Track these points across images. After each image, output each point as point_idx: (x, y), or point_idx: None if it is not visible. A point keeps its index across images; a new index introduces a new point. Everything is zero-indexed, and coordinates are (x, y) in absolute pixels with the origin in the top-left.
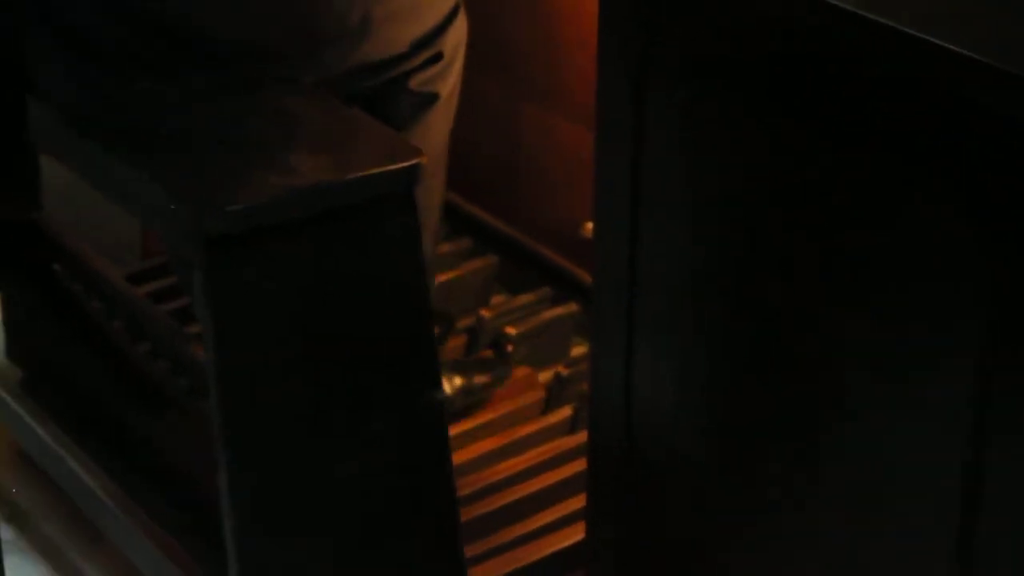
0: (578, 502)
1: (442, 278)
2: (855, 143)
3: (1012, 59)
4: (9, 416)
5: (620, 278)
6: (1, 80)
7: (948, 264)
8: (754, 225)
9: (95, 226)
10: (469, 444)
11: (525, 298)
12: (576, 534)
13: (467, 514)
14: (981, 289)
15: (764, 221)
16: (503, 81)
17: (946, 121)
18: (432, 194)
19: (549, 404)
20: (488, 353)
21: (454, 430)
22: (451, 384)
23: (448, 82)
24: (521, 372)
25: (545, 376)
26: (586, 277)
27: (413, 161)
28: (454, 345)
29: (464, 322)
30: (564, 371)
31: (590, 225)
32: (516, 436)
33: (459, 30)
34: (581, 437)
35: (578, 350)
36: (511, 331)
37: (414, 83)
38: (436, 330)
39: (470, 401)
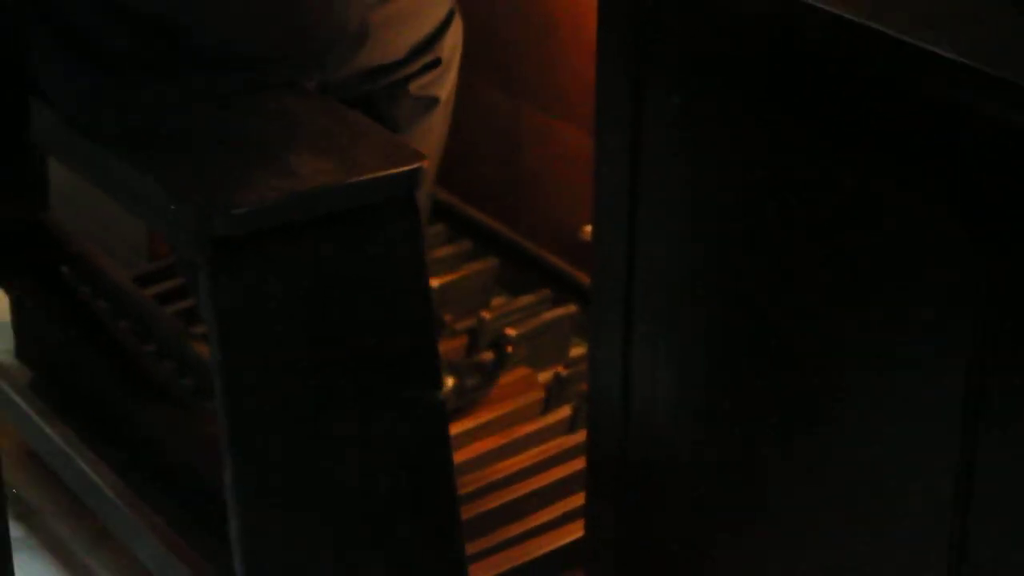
0: (577, 500)
1: (443, 280)
2: (851, 143)
3: (1002, 64)
4: (18, 416)
5: (619, 278)
6: (5, 81)
7: (942, 263)
8: (752, 224)
9: (102, 228)
10: (469, 443)
11: (525, 300)
12: (575, 532)
13: (467, 512)
14: (975, 289)
15: (762, 220)
16: (503, 85)
17: (940, 122)
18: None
19: (549, 404)
20: (488, 354)
21: (455, 429)
22: (444, 385)
23: (446, 86)
24: (520, 373)
25: (545, 376)
26: (585, 279)
27: (415, 165)
28: (455, 346)
29: (465, 323)
30: (563, 371)
31: (589, 228)
32: (516, 435)
33: (455, 35)
34: (580, 436)
35: (577, 350)
36: (511, 332)
37: (413, 88)
38: None
39: (462, 403)
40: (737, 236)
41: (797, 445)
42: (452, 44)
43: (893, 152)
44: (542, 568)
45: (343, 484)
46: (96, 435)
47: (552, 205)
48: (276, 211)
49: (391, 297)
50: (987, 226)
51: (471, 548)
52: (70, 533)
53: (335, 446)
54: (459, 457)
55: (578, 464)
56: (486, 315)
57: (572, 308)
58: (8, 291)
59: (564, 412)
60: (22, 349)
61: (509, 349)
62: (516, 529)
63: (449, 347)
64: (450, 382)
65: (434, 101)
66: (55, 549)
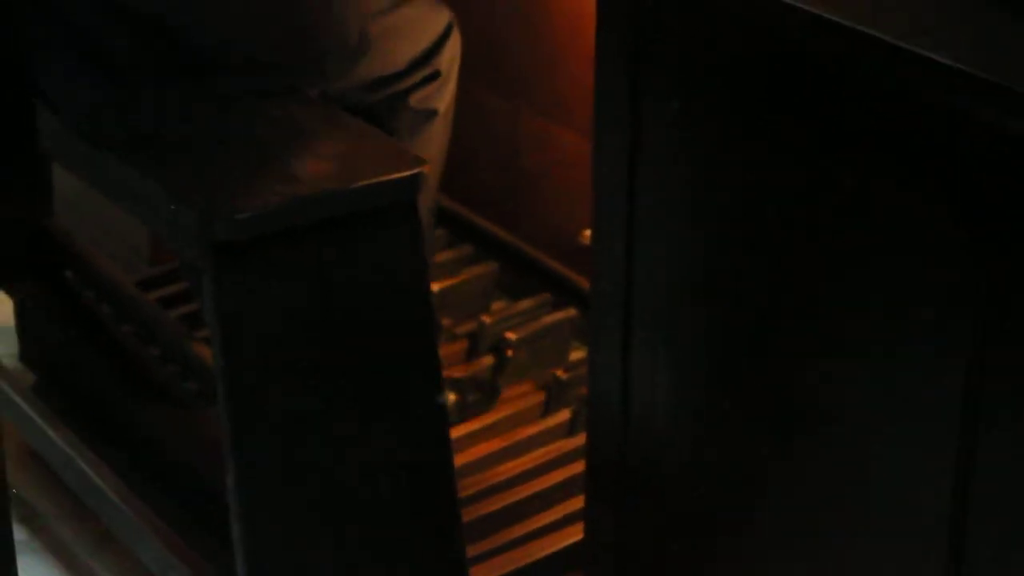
0: (577, 503)
1: (444, 284)
2: (850, 145)
3: (998, 69)
4: (21, 418)
5: (618, 282)
6: (9, 86)
7: (941, 264)
8: (751, 227)
9: (105, 233)
10: (471, 446)
11: (525, 304)
12: (575, 534)
13: (469, 514)
14: (974, 289)
15: (761, 223)
16: (503, 93)
17: (939, 126)
18: (424, 203)
19: (548, 407)
20: (489, 358)
21: (456, 433)
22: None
23: (445, 98)
24: (521, 389)
25: (544, 380)
26: (584, 283)
27: (415, 170)
28: (455, 350)
29: (465, 327)
30: (563, 375)
31: (588, 232)
32: (516, 438)
33: (454, 47)
34: (580, 439)
35: (577, 354)
36: (511, 336)
37: (413, 100)
38: None
39: (464, 417)
40: (736, 238)
41: (796, 449)
42: (451, 56)
43: (892, 154)
44: (542, 570)
45: (344, 486)
46: (99, 438)
47: (551, 210)
48: (278, 216)
49: (392, 301)
50: (985, 227)
51: (472, 550)
52: (73, 536)
53: (336, 448)
54: (460, 460)
55: (578, 467)
56: (486, 319)
57: (572, 312)
58: (12, 295)
59: (564, 416)
60: (26, 352)
61: (509, 353)
62: (517, 531)
63: (449, 351)
64: (452, 397)
65: (433, 113)
66: (58, 552)
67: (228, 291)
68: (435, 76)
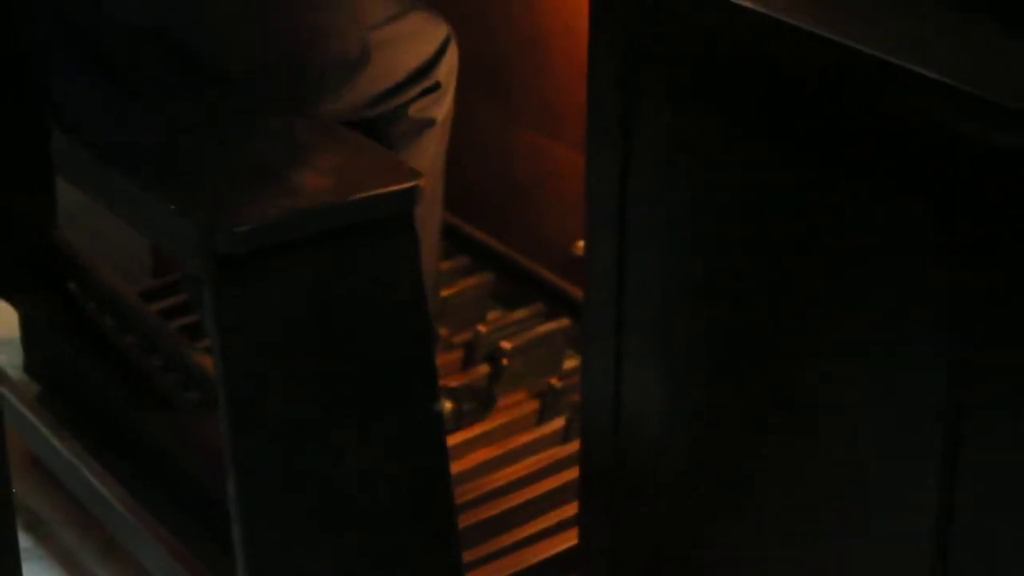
0: (571, 509)
1: (441, 294)
2: (840, 155)
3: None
4: (26, 428)
5: (610, 289)
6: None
7: (940, 265)
8: (742, 236)
9: (108, 245)
10: (467, 453)
11: (520, 313)
12: (569, 540)
13: (465, 520)
14: (970, 290)
15: (751, 232)
16: (498, 107)
17: (927, 136)
18: (430, 212)
19: (543, 415)
20: (484, 367)
21: (452, 440)
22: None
23: (443, 108)
24: (515, 397)
25: (539, 388)
26: (578, 293)
27: (412, 183)
28: (451, 359)
29: (461, 337)
30: (557, 383)
31: (581, 243)
32: (511, 446)
33: (451, 58)
34: (573, 446)
35: (570, 363)
36: (506, 345)
37: (412, 110)
38: None
39: (460, 425)
40: (727, 248)
41: (788, 454)
42: (449, 68)
43: (882, 162)
44: (537, 575)
45: (343, 493)
46: (102, 446)
47: (545, 222)
48: (278, 228)
49: (390, 311)
50: (976, 232)
51: (468, 556)
52: (78, 543)
53: (335, 456)
54: (456, 467)
55: (572, 474)
56: (482, 329)
57: (565, 321)
58: (17, 306)
59: (558, 423)
60: (30, 363)
61: (504, 362)
62: (512, 537)
63: (446, 360)
64: (448, 406)
65: (431, 122)
66: (63, 559)
67: (228, 302)
68: (435, 87)
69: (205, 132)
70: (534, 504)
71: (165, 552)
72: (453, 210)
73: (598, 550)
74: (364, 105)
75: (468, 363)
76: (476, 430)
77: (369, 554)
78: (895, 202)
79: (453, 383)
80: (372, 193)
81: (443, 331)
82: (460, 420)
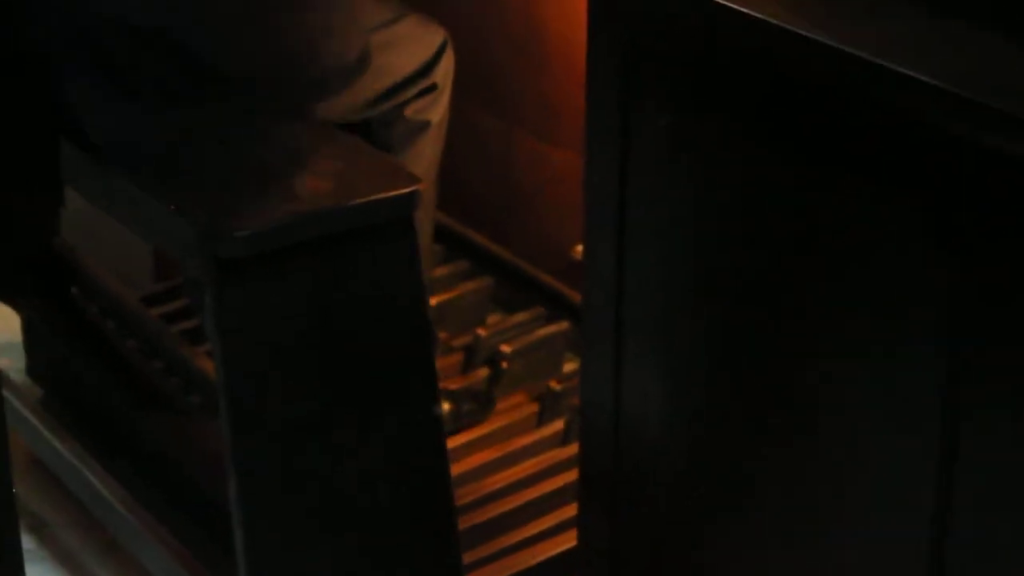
0: (570, 511)
1: (441, 299)
2: (839, 156)
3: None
4: (29, 431)
5: (609, 291)
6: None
7: (923, 271)
8: (740, 238)
9: (110, 250)
10: (466, 456)
11: (519, 317)
12: (569, 541)
13: (465, 522)
14: (954, 296)
15: (750, 234)
16: (496, 112)
17: (924, 138)
18: (424, 215)
19: (542, 418)
20: (484, 370)
21: (452, 443)
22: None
23: (439, 110)
24: (514, 400)
25: (538, 391)
26: (577, 297)
27: (412, 188)
28: (451, 363)
29: (461, 340)
30: (556, 386)
31: (580, 247)
32: (511, 448)
33: (448, 61)
34: (573, 449)
35: (570, 366)
36: (506, 348)
37: (408, 112)
38: None
39: (459, 426)
40: (727, 248)
41: (788, 454)
42: (445, 70)
43: (883, 162)
44: None
45: (343, 494)
46: (104, 449)
47: (544, 226)
48: (278, 233)
49: (390, 314)
50: (976, 232)
51: (468, 557)
52: (80, 544)
53: (335, 457)
54: (456, 469)
55: (571, 476)
56: (482, 332)
57: (564, 325)
58: (19, 310)
59: (557, 426)
60: (33, 367)
61: (504, 365)
62: (511, 539)
63: (446, 363)
64: (448, 408)
65: (427, 124)
66: (65, 560)
67: (229, 306)
68: (432, 89)
69: (206, 134)
70: (534, 506)
71: (166, 553)
72: (453, 215)
73: (598, 552)
74: (363, 106)
75: (468, 366)
76: (476, 432)
77: (369, 555)
78: (895, 201)
79: (453, 386)
80: (372, 198)
81: (443, 335)
82: (460, 422)
